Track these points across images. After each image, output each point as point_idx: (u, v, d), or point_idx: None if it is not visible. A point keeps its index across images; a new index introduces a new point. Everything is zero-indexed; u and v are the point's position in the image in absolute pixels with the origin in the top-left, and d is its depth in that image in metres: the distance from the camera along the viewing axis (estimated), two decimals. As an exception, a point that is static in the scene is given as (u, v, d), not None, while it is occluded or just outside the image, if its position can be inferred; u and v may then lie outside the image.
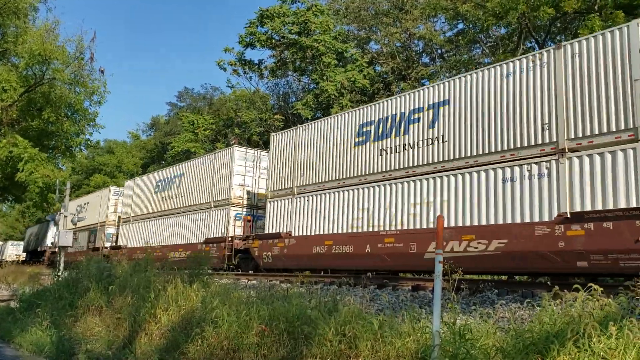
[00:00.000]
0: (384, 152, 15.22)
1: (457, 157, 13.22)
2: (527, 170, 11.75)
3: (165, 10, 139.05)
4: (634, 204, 10.05)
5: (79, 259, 19.45)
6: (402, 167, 14.58)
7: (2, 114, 26.57)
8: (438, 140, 13.72)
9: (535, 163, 11.66)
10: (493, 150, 12.51)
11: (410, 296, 11.42)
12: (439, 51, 36.99)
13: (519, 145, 12.02)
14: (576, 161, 11.04)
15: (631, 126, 10.34)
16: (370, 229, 15.04)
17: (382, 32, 37.52)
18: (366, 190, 15.50)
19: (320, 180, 17.33)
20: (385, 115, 15.46)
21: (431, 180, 13.69)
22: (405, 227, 14.06)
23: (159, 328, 8.60)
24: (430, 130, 13.98)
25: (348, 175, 16.25)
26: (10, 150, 26.30)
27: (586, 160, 10.93)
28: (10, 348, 10.82)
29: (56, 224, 38.95)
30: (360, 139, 16.12)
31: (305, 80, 39.97)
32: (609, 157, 10.57)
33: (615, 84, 10.72)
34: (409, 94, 15.06)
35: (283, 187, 18.81)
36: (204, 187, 24.39)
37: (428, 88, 14.42)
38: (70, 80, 28.04)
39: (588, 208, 10.68)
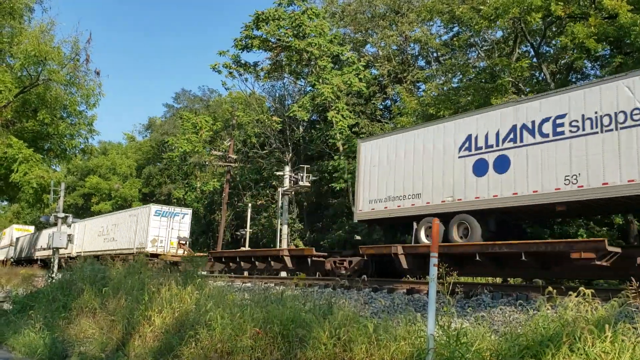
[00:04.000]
0: None
1: None
2: None
3: (162, 11, 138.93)
4: None
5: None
6: None
7: (-4, 115, 26.43)
8: None
9: None
10: None
11: (405, 299, 11.41)
12: (435, 54, 37.07)
13: None
14: None
15: None
16: None
17: (378, 35, 37.59)
18: None
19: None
20: None
21: None
22: None
23: (152, 330, 8.57)
24: None
25: None
26: (5, 151, 26.14)
27: None
28: (3, 350, 10.73)
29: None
30: None
31: (301, 83, 39.97)
32: None
33: None
34: None
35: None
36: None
37: None
38: (66, 82, 27.91)
39: None
